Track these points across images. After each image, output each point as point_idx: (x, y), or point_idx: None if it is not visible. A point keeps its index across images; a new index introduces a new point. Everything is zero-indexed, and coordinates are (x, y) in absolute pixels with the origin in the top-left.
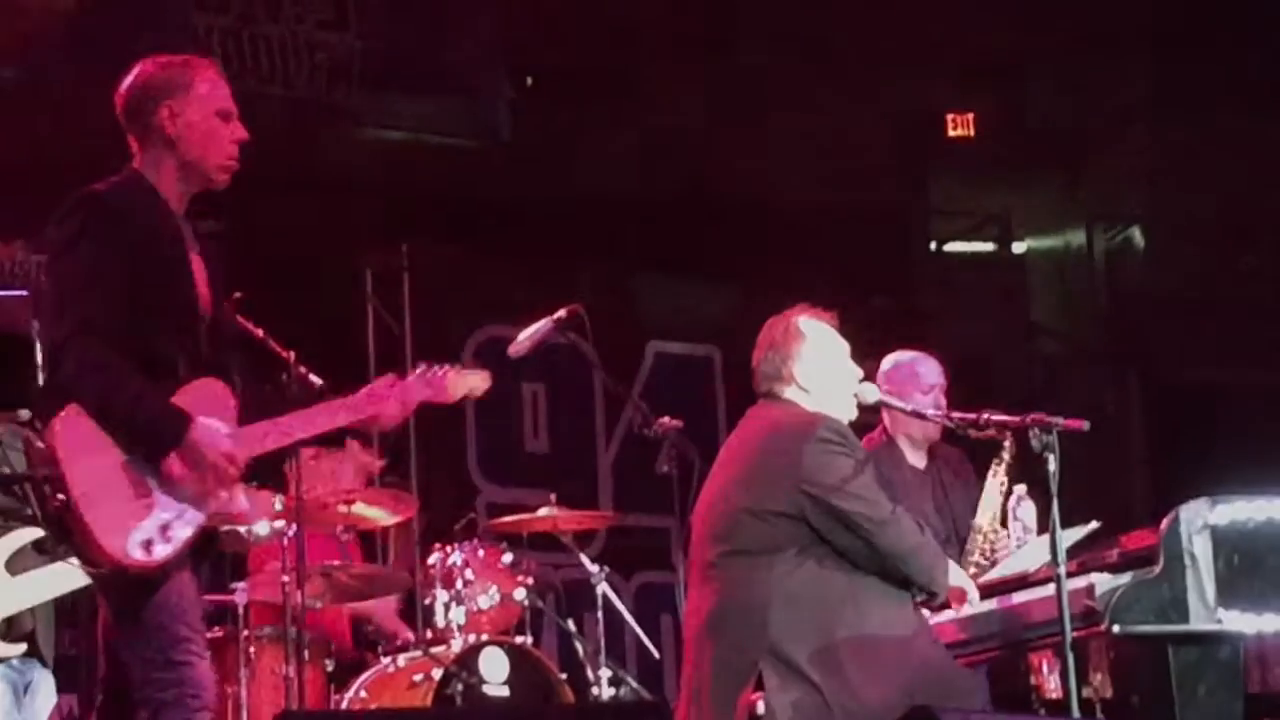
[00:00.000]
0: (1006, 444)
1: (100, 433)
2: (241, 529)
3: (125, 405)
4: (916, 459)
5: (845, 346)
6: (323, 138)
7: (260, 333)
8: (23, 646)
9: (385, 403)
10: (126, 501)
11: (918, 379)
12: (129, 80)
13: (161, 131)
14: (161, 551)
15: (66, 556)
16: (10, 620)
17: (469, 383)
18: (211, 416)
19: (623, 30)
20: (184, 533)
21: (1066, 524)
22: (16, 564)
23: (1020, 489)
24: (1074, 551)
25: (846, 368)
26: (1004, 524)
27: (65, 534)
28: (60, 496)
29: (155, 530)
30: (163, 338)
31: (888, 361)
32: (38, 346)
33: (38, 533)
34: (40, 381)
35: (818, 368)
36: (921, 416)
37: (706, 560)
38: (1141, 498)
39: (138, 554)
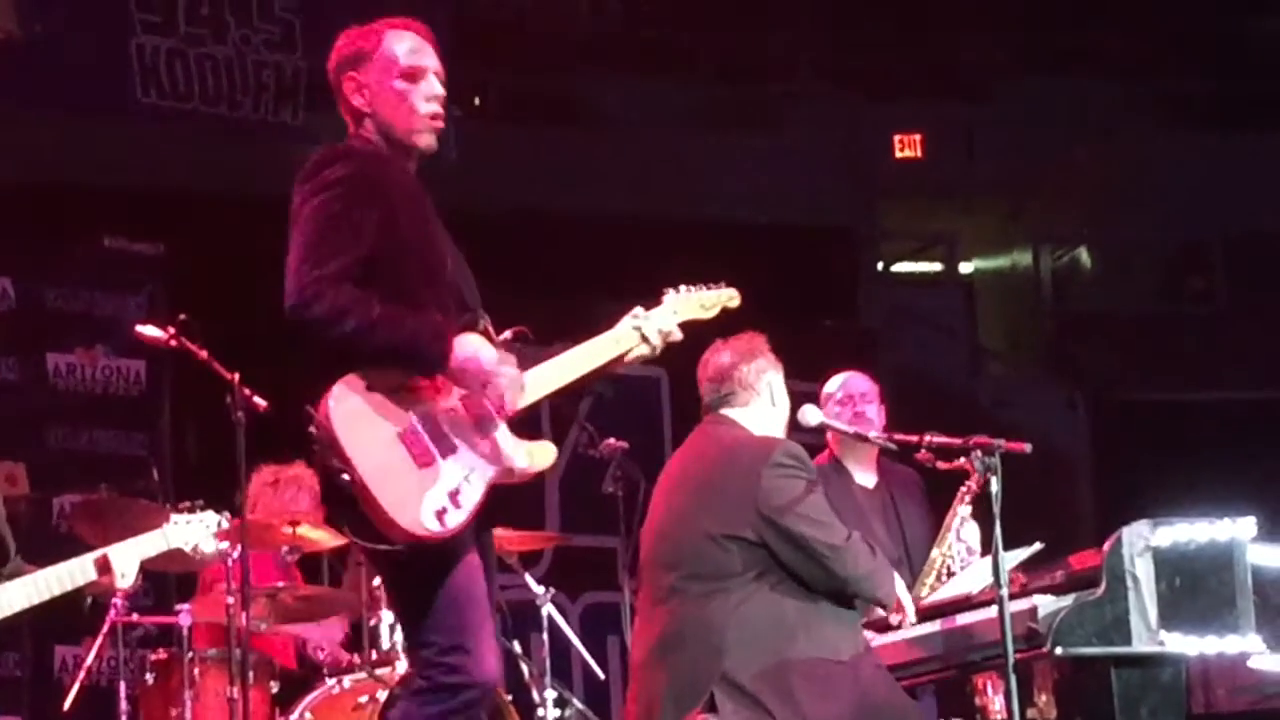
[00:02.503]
0: (973, 475)
1: (372, 406)
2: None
3: (389, 335)
4: (865, 478)
5: (780, 370)
6: (268, 158)
7: (204, 354)
8: None
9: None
10: (411, 472)
11: (853, 393)
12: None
13: (351, 104)
14: (455, 519)
15: (8, 577)
16: None
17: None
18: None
19: (571, 49)
20: (474, 496)
21: (1013, 545)
22: None
23: (964, 510)
24: (1018, 573)
25: (783, 394)
26: (942, 545)
27: (356, 515)
28: (346, 477)
29: (445, 497)
30: (416, 286)
31: (831, 383)
32: None
33: None
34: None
35: (768, 388)
36: (864, 439)
37: (660, 583)
38: (1087, 518)
39: (434, 525)
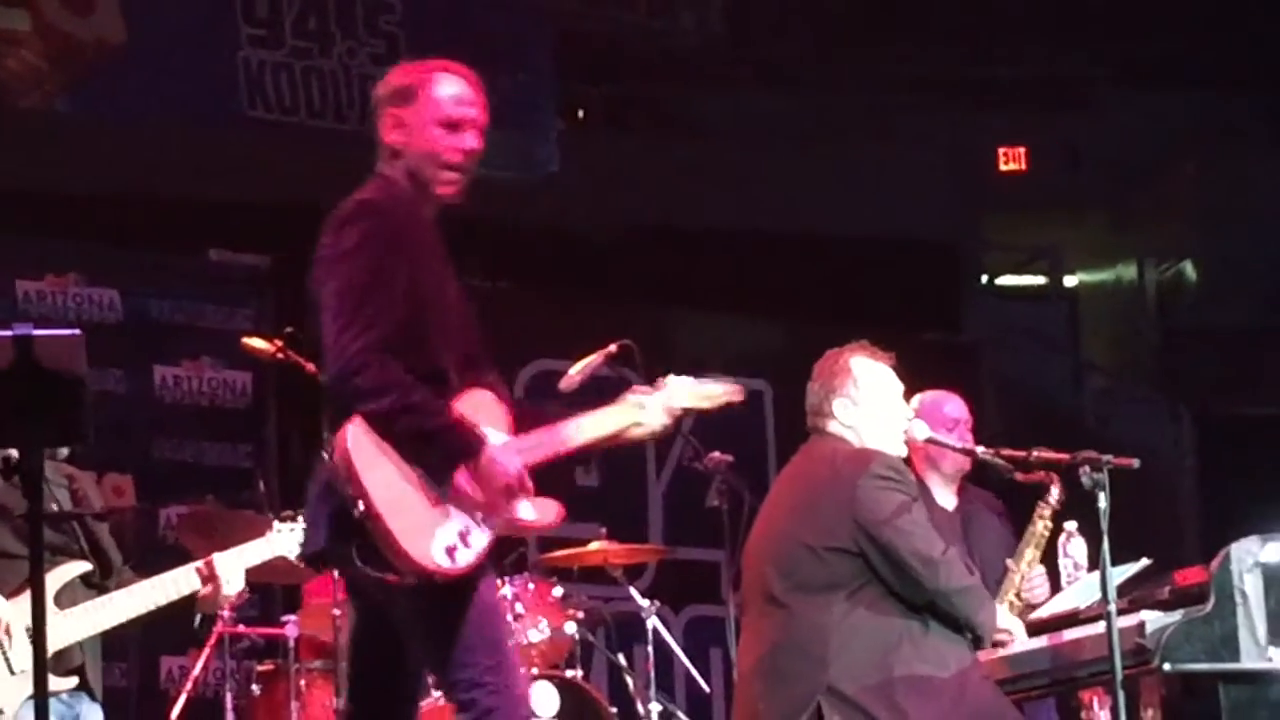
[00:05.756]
0: (1054, 488)
1: (387, 442)
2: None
3: (421, 424)
4: (946, 499)
5: (897, 387)
6: (372, 170)
7: (310, 366)
8: (73, 681)
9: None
10: (425, 510)
11: (944, 416)
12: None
13: (387, 139)
14: (464, 558)
15: (114, 588)
16: (59, 654)
17: (703, 392)
18: (488, 426)
19: (672, 63)
20: (483, 540)
21: (1117, 561)
22: (65, 598)
23: (1071, 526)
24: (1125, 589)
25: (895, 407)
26: (1043, 561)
27: (367, 546)
28: (361, 508)
29: (456, 537)
30: (436, 348)
31: (914, 401)
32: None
33: (85, 567)
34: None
35: (862, 406)
36: (971, 454)
37: (764, 595)
38: (1193, 535)
39: (444, 560)
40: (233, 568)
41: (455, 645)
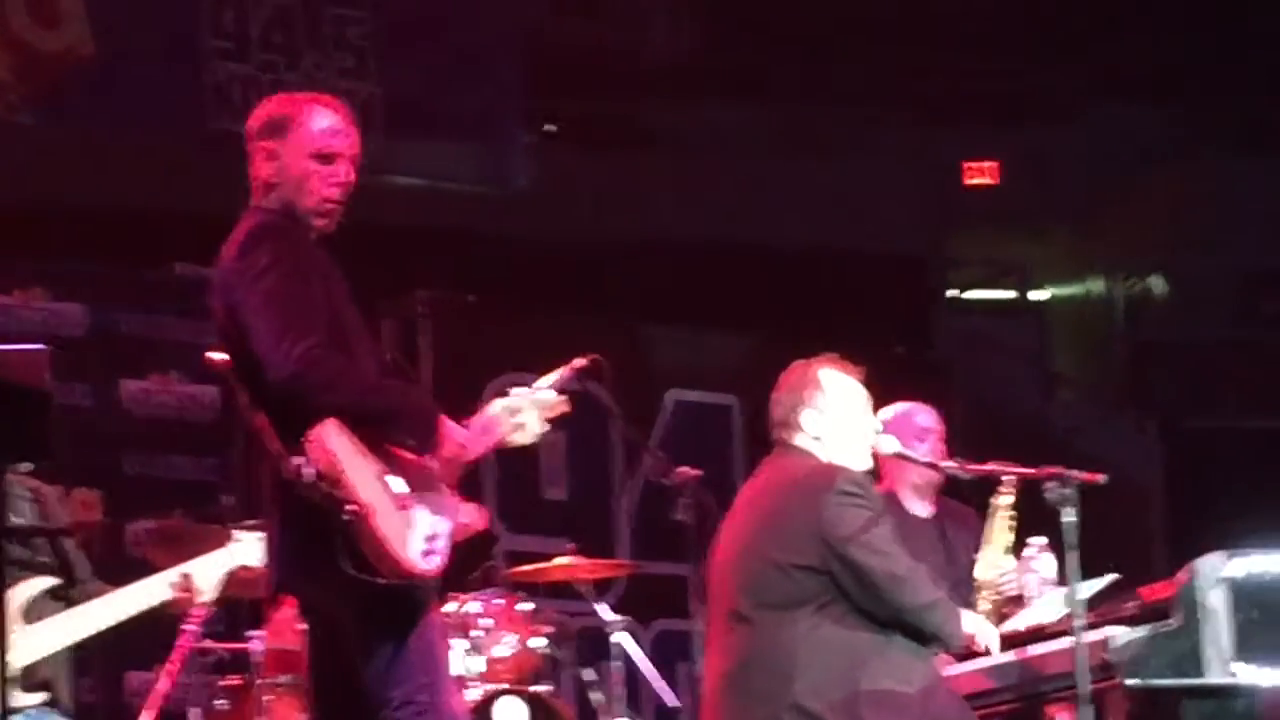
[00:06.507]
0: (1002, 488)
1: (357, 445)
2: None
3: (389, 402)
4: (921, 509)
5: (863, 398)
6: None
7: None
8: (41, 695)
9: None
10: (396, 512)
11: (915, 427)
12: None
13: (259, 172)
14: (435, 562)
15: (80, 601)
16: (27, 669)
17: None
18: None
19: (641, 76)
20: (446, 543)
21: (1086, 576)
22: (33, 612)
23: (1039, 541)
24: (1092, 604)
25: (862, 420)
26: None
27: (348, 547)
28: (350, 508)
29: (425, 540)
30: (359, 359)
31: (886, 412)
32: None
33: (51, 581)
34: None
35: (829, 418)
36: (935, 468)
37: (729, 611)
38: (1161, 548)
39: (422, 563)
40: (209, 577)
41: (396, 660)
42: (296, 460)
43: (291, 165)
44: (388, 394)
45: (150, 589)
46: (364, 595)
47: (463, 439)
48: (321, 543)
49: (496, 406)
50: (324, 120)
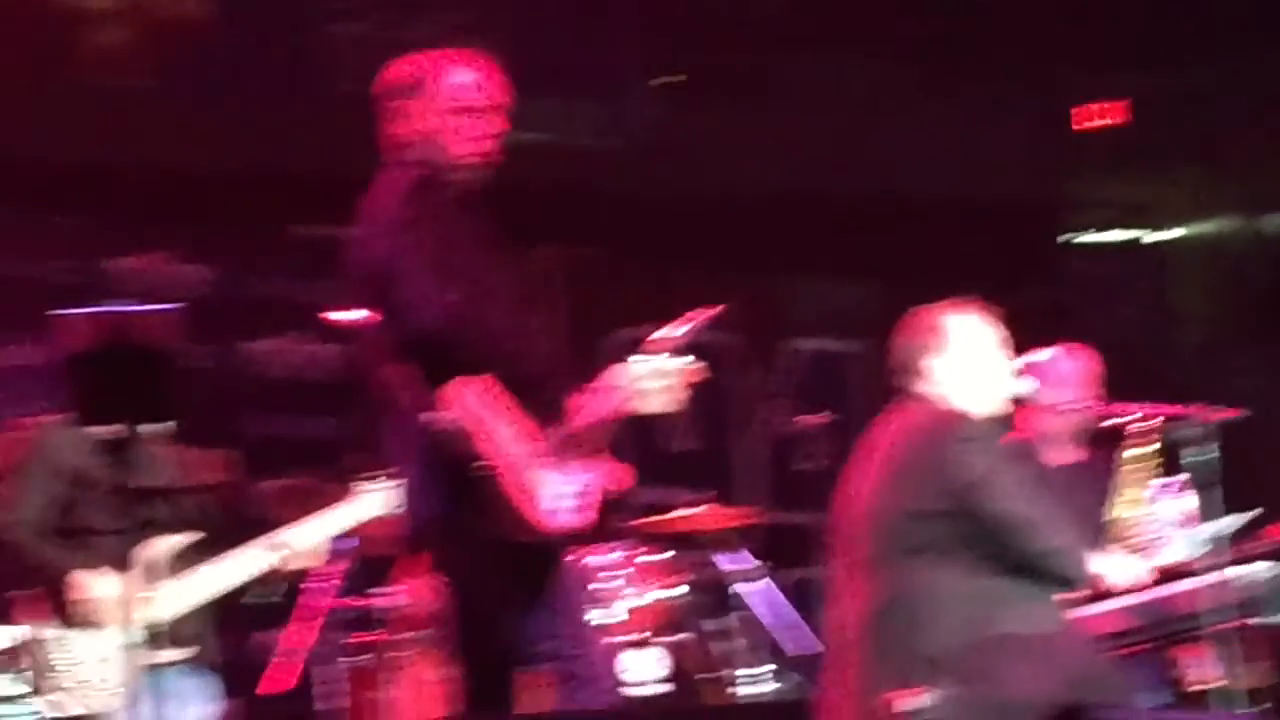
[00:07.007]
0: (1137, 428)
1: (493, 404)
2: None
3: (522, 371)
4: (1060, 454)
5: (994, 340)
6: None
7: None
8: (187, 650)
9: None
10: (531, 470)
11: (1061, 371)
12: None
13: (395, 131)
14: (570, 519)
15: (216, 558)
16: (173, 624)
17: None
18: None
19: (758, 28)
20: (582, 500)
21: (1225, 513)
22: (170, 568)
23: (1177, 479)
24: (1232, 541)
25: (992, 363)
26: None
27: (482, 504)
28: (483, 467)
29: (560, 497)
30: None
31: (1034, 356)
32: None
33: (185, 539)
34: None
35: (953, 363)
36: (1071, 412)
37: (857, 560)
38: None
39: (556, 520)
40: (311, 541)
41: (538, 614)
42: (433, 415)
43: (429, 124)
44: (521, 360)
45: (258, 555)
46: (501, 551)
47: (590, 411)
48: (457, 498)
49: (621, 375)
50: (460, 76)
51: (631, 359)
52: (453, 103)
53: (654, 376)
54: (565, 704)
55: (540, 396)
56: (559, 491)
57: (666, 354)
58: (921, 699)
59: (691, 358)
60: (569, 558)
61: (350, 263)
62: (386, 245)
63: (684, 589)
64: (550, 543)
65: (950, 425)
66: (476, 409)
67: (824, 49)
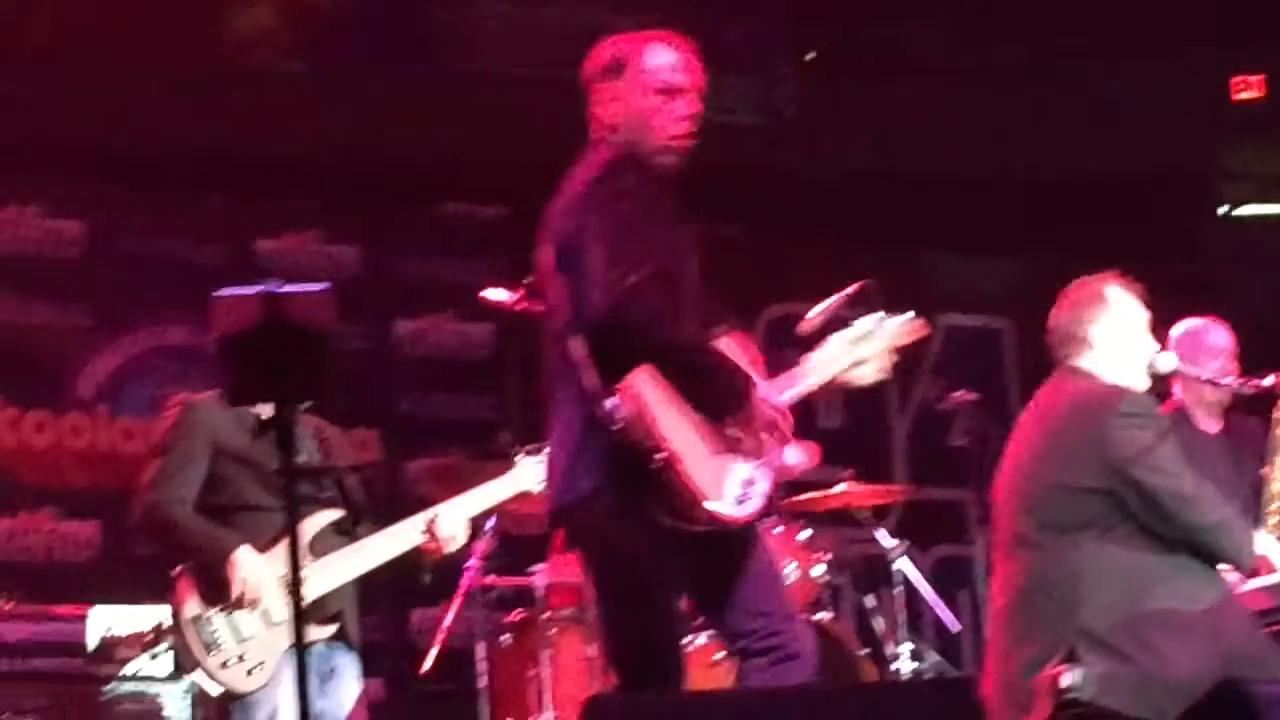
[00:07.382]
0: None
1: (671, 394)
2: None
3: (698, 360)
4: (1209, 426)
5: (1145, 318)
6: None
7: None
8: (330, 628)
9: None
10: (710, 458)
11: (1208, 346)
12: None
13: (600, 114)
14: (751, 507)
15: (364, 536)
16: (316, 603)
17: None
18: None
19: (903, 5)
20: (764, 487)
21: None
22: (317, 547)
23: None
24: None
25: (1143, 339)
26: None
27: (657, 493)
28: (659, 455)
29: (741, 485)
30: (684, 316)
31: (1178, 329)
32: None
33: (337, 514)
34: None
35: (1116, 334)
36: (1216, 384)
37: (1014, 535)
38: None
39: (736, 509)
40: (455, 521)
41: (742, 591)
42: (610, 402)
43: (634, 105)
44: (705, 354)
45: (401, 534)
46: (682, 540)
47: (774, 406)
48: (625, 483)
49: (830, 350)
50: (662, 56)
51: (837, 334)
52: (656, 83)
53: (867, 344)
54: (778, 680)
55: (719, 381)
56: (737, 480)
57: (879, 317)
58: (1079, 674)
59: (911, 314)
60: (766, 537)
61: (541, 237)
62: (575, 222)
63: (824, 567)
64: (738, 529)
65: (1111, 399)
66: (645, 400)
67: (966, 25)
